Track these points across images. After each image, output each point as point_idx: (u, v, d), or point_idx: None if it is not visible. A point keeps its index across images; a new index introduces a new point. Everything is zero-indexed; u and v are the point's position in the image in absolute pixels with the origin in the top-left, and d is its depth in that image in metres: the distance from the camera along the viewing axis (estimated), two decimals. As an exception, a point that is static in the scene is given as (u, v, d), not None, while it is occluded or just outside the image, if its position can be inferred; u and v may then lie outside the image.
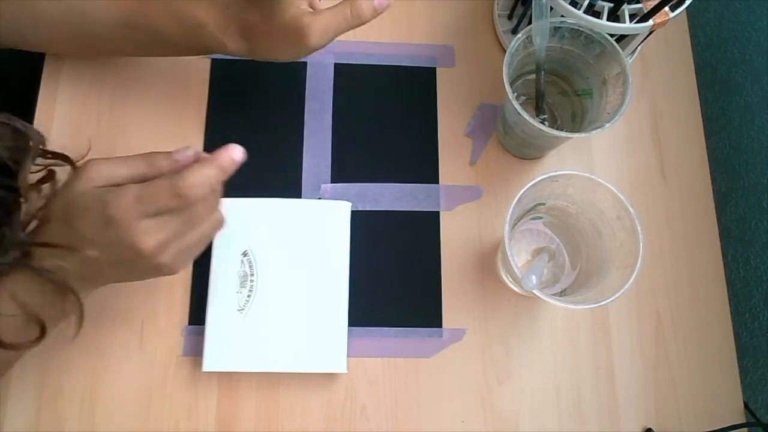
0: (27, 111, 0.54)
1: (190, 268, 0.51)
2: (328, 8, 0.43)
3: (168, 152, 0.39)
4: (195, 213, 0.38)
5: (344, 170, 0.55)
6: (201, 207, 0.38)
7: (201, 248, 0.41)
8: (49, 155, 0.43)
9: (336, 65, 0.58)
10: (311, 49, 0.44)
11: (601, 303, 0.42)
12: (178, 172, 0.36)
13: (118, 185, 0.37)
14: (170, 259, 0.38)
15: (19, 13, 0.46)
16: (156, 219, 0.36)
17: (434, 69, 0.58)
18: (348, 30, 0.44)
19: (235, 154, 0.38)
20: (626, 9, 0.47)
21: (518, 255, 0.52)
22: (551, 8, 0.47)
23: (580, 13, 0.47)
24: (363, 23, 0.44)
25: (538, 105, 0.52)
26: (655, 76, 0.60)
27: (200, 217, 0.38)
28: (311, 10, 0.44)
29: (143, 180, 0.38)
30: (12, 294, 0.38)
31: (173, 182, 0.36)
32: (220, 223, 0.41)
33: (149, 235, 0.36)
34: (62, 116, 0.54)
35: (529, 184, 0.44)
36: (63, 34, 0.48)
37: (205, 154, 0.39)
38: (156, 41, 0.46)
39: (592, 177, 0.45)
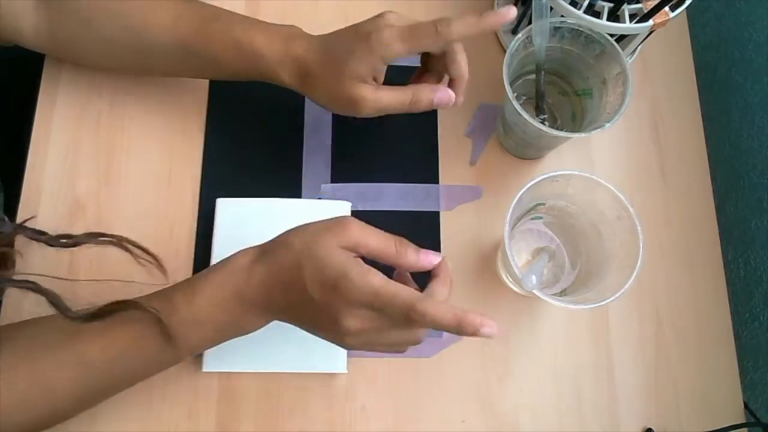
0: (27, 110, 0.54)
1: (190, 269, 0.51)
2: (390, 88, 0.44)
3: (420, 250, 0.39)
4: (408, 324, 0.36)
5: (344, 170, 0.55)
6: (417, 322, 0.36)
7: (383, 350, 0.39)
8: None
9: (336, 65, 0.57)
10: (360, 115, 0.45)
11: (601, 303, 0.42)
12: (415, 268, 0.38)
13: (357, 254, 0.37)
14: (354, 343, 0.37)
15: (77, 30, 0.46)
16: (375, 311, 0.35)
17: (434, 69, 0.58)
18: (401, 113, 0.45)
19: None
20: (626, 9, 0.47)
21: (518, 255, 0.52)
22: (551, 8, 0.47)
23: (580, 13, 0.47)
24: (417, 111, 0.44)
25: (538, 105, 0.52)
26: (655, 76, 0.60)
27: (408, 329, 0.37)
28: (373, 83, 0.44)
29: (380, 259, 0.38)
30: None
31: (411, 303, 0.34)
32: (415, 341, 0.39)
33: (357, 319, 0.36)
34: (62, 116, 0.54)
35: (529, 184, 0.44)
36: (118, 51, 0.47)
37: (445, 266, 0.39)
38: (213, 66, 0.46)
39: (592, 177, 0.45)
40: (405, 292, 0.35)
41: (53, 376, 0.39)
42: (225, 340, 0.41)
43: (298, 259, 0.37)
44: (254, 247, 0.40)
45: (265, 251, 0.39)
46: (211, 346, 0.42)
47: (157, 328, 0.38)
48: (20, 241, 0.42)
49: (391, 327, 0.37)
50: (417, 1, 0.60)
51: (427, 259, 0.38)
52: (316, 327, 0.39)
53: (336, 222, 0.38)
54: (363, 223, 0.38)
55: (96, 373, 0.39)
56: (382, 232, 0.38)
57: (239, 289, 0.38)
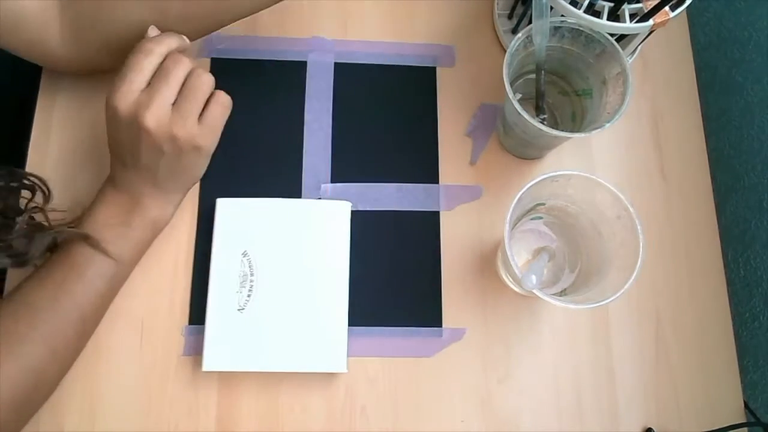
0: (27, 110, 0.54)
1: (190, 269, 0.51)
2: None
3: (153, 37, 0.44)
4: (167, 70, 0.42)
5: (344, 170, 0.55)
6: (169, 63, 0.42)
7: (199, 105, 0.43)
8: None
9: (336, 65, 0.58)
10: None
11: (601, 303, 0.42)
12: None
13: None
14: (183, 129, 0.42)
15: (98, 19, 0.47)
16: (142, 93, 0.42)
17: (434, 69, 0.58)
18: None
19: None
20: (626, 9, 0.47)
21: (518, 255, 0.52)
22: (551, 8, 0.47)
23: (580, 12, 0.47)
24: None
25: (538, 105, 0.52)
26: (655, 76, 0.60)
27: (172, 71, 0.42)
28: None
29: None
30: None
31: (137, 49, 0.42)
32: (188, 66, 0.43)
33: (144, 108, 0.41)
34: (62, 116, 0.54)
35: (529, 184, 0.44)
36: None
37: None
38: None
39: (592, 177, 0.45)
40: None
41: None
42: (145, 234, 0.48)
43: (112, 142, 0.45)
44: None
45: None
46: (139, 243, 0.48)
47: (84, 245, 0.44)
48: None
49: (164, 84, 0.42)
50: (417, 1, 0.60)
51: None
52: (169, 161, 0.44)
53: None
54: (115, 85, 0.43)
55: (49, 313, 0.43)
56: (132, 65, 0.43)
57: (111, 180, 0.46)
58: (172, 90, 0.42)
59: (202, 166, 0.47)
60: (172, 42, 0.43)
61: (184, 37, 0.45)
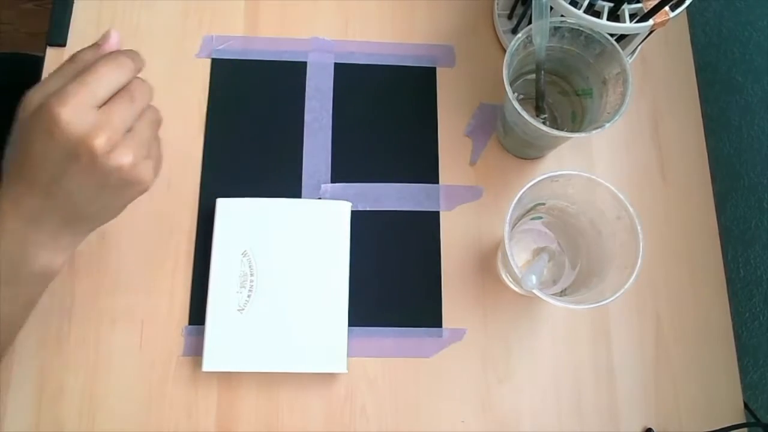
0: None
1: (190, 269, 0.51)
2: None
3: (93, 44, 0.38)
4: (131, 93, 0.36)
5: (344, 170, 0.55)
6: (135, 86, 0.36)
7: (153, 135, 0.38)
8: None
9: (336, 65, 0.58)
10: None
11: (601, 303, 0.42)
12: None
13: None
14: (128, 157, 0.35)
15: None
16: (96, 113, 0.34)
17: (434, 69, 0.58)
18: None
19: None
20: (626, 9, 0.47)
21: (518, 255, 0.52)
22: (551, 8, 0.47)
23: (580, 12, 0.47)
24: None
25: (538, 105, 0.52)
26: (655, 76, 0.60)
27: (137, 96, 0.36)
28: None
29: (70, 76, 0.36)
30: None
31: (96, 60, 0.35)
32: (149, 92, 0.38)
33: (95, 130, 0.34)
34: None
35: (529, 184, 0.44)
36: None
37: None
38: None
39: (592, 177, 0.45)
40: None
41: None
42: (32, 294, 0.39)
43: (20, 151, 0.35)
44: None
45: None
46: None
47: None
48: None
49: (124, 106, 0.36)
50: (417, 2, 0.60)
51: (102, 40, 0.38)
52: (96, 188, 0.36)
53: (18, 110, 0.37)
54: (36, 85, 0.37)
55: None
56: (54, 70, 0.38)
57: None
58: (133, 117, 0.36)
59: (125, 205, 0.40)
60: (139, 62, 0.38)
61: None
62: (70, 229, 0.38)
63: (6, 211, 0.36)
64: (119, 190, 0.37)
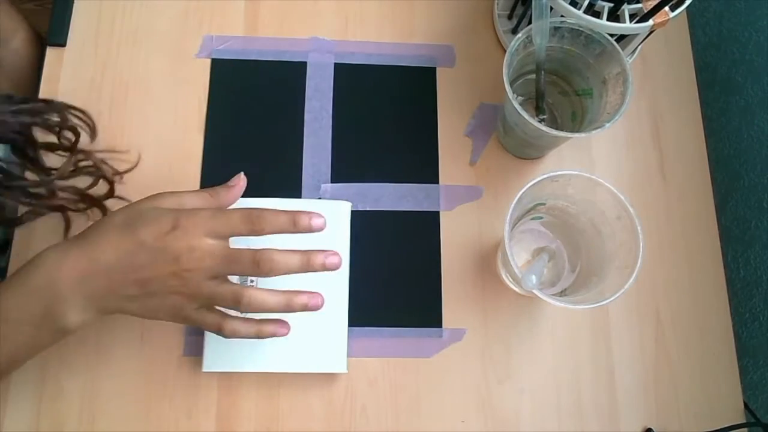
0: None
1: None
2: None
3: (228, 185, 0.42)
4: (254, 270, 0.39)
5: (344, 170, 0.55)
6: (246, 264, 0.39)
7: (210, 300, 0.39)
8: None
9: (336, 65, 0.58)
10: None
11: (601, 303, 0.42)
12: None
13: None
14: (195, 284, 0.38)
15: None
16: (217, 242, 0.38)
17: (434, 69, 0.58)
18: None
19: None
20: (626, 9, 0.47)
21: (518, 255, 0.52)
22: (551, 8, 0.47)
23: (580, 13, 0.47)
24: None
25: (538, 105, 0.52)
26: (655, 76, 0.60)
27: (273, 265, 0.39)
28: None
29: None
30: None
31: (249, 210, 0.39)
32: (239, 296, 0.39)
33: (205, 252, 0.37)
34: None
35: (529, 184, 0.44)
36: None
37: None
38: None
39: (592, 177, 0.45)
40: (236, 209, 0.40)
41: None
42: (46, 342, 0.40)
43: (128, 223, 0.38)
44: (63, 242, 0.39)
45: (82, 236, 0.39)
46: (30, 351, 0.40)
47: None
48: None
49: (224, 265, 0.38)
50: (417, 2, 0.60)
51: (233, 189, 0.43)
52: (157, 289, 0.38)
53: (147, 198, 0.41)
54: (172, 191, 0.41)
55: None
56: (192, 190, 0.42)
57: (51, 280, 0.37)
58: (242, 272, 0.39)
59: (156, 319, 0.41)
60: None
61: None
62: (104, 304, 0.39)
63: (62, 269, 0.37)
64: (171, 311, 0.39)
